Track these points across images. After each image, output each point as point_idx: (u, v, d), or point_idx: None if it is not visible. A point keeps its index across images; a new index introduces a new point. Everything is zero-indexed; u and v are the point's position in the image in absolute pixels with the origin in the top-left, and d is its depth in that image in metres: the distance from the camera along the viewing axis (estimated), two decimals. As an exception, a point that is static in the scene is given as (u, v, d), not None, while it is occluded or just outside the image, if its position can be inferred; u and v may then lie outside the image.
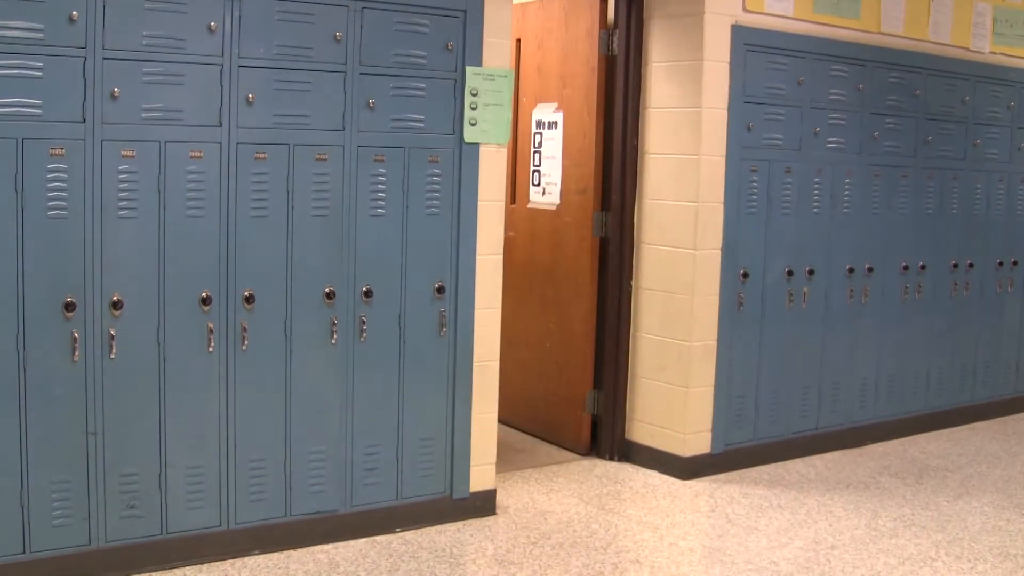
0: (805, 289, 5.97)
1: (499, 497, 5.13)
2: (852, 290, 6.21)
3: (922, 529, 5.01)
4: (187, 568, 4.24)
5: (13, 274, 3.80)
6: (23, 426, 3.87)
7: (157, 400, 4.14)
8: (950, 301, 6.79)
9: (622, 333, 5.91)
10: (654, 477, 5.70)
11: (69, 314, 3.90)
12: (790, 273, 5.89)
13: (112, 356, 4.00)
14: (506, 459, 5.76)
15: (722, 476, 5.72)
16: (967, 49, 6.64)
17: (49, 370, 3.90)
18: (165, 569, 4.21)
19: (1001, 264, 7.04)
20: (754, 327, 5.81)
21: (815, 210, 5.97)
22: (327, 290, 4.47)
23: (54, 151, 3.82)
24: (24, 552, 3.93)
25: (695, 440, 5.68)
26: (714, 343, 5.65)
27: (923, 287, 6.59)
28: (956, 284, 6.79)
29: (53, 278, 3.88)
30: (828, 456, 6.16)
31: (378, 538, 4.68)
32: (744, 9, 5.54)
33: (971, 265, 6.85)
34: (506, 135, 4.86)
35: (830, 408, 6.24)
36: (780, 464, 5.97)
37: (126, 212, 4.00)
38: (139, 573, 4.15)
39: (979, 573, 4.49)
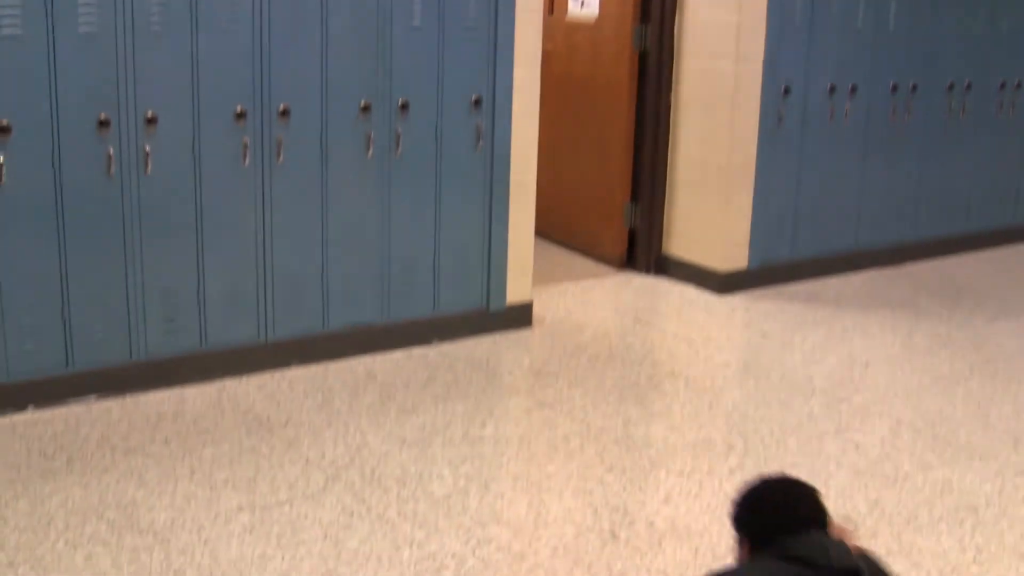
0: (847, 106, 5.84)
1: (535, 309, 5.16)
2: (895, 108, 6.07)
3: (957, 349, 5.01)
4: (227, 380, 4.33)
5: (46, 93, 3.76)
6: (62, 244, 3.90)
7: (194, 216, 4.14)
8: (995, 121, 6.61)
9: (660, 147, 5.83)
10: (690, 291, 5.72)
11: (104, 131, 3.88)
12: (832, 90, 5.75)
13: (147, 172, 3.99)
14: (542, 272, 5.75)
15: (758, 291, 5.73)
16: None
17: (85, 188, 3.90)
18: (206, 381, 4.29)
19: (1051, 83, 6.85)
20: (794, 143, 5.72)
21: (859, 26, 5.78)
22: (363, 104, 4.41)
23: (82, -38, 3.73)
24: (68, 366, 4.02)
25: (732, 255, 5.67)
26: (753, 158, 5.58)
27: (968, 106, 6.42)
28: (1002, 104, 6.61)
29: (86, 96, 3.84)
30: (865, 274, 6.14)
31: (415, 349, 4.74)
32: None
33: (1019, 85, 6.64)
34: (545, -57, 4.71)
35: (869, 226, 6.18)
36: (817, 281, 5.95)
37: (158, 26, 3.92)
38: (180, 385, 4.24)
39: (1012, 393, 4.51)
